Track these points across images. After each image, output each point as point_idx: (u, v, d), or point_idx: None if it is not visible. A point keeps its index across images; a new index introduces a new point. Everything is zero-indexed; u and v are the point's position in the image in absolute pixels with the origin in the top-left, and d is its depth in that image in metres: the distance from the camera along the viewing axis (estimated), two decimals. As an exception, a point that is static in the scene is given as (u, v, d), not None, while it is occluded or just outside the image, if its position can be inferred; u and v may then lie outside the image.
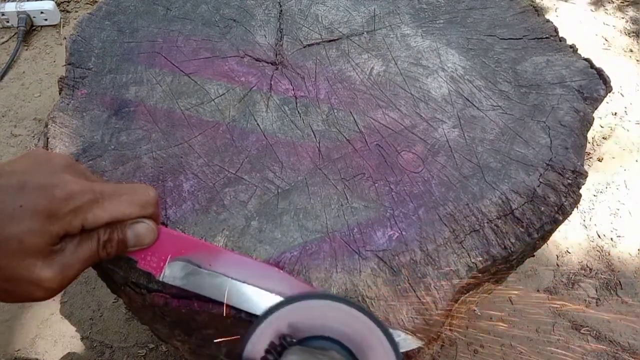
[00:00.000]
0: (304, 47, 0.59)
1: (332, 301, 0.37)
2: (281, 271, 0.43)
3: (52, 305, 1.01)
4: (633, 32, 1.53)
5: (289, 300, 0.37)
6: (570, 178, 0.49)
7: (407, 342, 0.41)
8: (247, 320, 0.41)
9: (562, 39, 0.60)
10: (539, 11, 0.63)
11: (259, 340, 0.36)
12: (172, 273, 0.41)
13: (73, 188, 0.35)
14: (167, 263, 0.41)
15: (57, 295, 0.37)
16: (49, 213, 0.34)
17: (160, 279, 0.41)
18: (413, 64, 0.58)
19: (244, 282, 0.41)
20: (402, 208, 0.47)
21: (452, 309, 0.49)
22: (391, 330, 0.37)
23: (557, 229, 0.49)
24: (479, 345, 0.98)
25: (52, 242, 0.34)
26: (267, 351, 0.36)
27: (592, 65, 0.57)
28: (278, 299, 0.41)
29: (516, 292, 1.03)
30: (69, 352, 0.96)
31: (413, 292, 0.43)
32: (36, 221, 0.33)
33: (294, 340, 0.36)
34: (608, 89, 0.55)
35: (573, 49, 0.59)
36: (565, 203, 0.48)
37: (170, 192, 0.48)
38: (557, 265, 1.09)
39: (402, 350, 0.41)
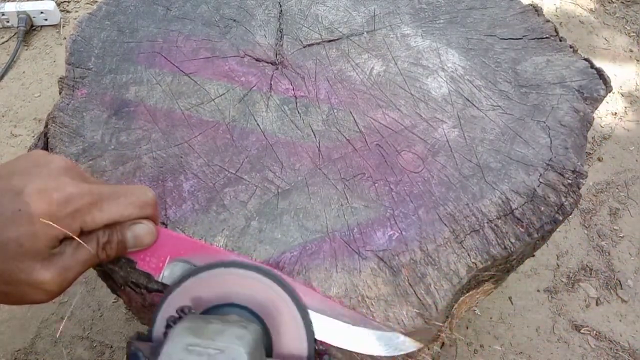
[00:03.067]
0: (304, 47, 0.59)
1: (234, 268, 0.38)
2: (280, 273, 0.43)
3: (52, 305, 1.01)
4: (633, 32, 1.53)
5: (189, 274, 0.38)
6: (570, 178, 0.49)
7: (406, 344, 0.41)
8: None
9: (562, 39, 0.60)
10: (539, 11, 0.63)
11: (163, 318, 0.36)
12: (171, 274, 0.41)
13: (71, 191, 0.35)
14: (166, 264, 0.41)
15: (57, 297, 0.37)
16: (47, 216, 0.34)
17: (159, 280, 0.41)
18: (413, 64, 0.58)
19: None
20: (402, 208, 0.47)
21: (452, 309, 0.49)
22: (294, 291, 0.37)
23: (557, 229, 0.49)
24: (479, 345, 0.98)
25: (51, 245, 0.34)
26: (167, 325, 0.36)
27: (592, 65, 0.57)
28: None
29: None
30: (69, 352, 0.96)
31: (413, 292, 0.43)
32: (35, 225, 0.33)
33: (192, 311, 0.36)
34: (608, 89, 0.55)
35: (573, 49, 0.59)
36: (565, 203, 0.48)
37: (170, 192, 0.48)
38: (557, 265, 1.09)
39: (401, 352, 0.41)
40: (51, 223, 0.34)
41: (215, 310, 0.37)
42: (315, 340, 0.38)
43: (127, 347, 0.35)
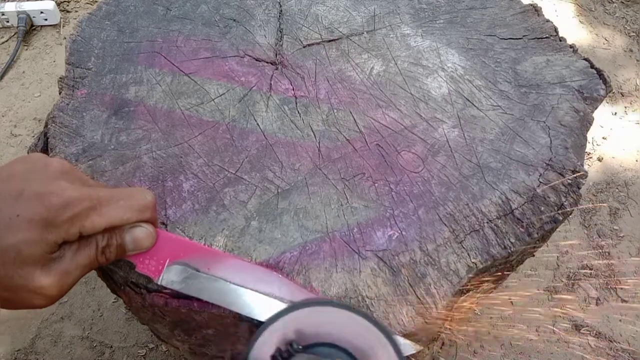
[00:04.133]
0: (304, 47, 0.59)
1: (338, 308, 0.37)
2: (280, 275, 0.43)
3: (52, 306, 1.01)
4: (633, 32, 1.53)
5: (296, 306, 0.37)
6: (570, 178, 0.49)
7: (406, 347, 0.41)
8: (247, 321, 0.41)
9: (562, 39, 0.60)
10: (538, 11, 0.63)
11: (265, 345, 0.36)
12: (170, 277, 0.41)
13: (70, 195, 0.35)
14: (165, 267, 0.41)
15: (57, 301, 0.37)
16: (46, 222, 0.33)
17: (159, 283, 0.41)
18: (413, 63, 0.58)
19: (242, 286, 0.41)
20: (402, 208, 0.47)
21: (452, 309, 0.49)
22: (396, 337, 0.37)
23: (557, 229, 0.49)
24: (479, 345, 0.98)
25: (50, 250, 0.34)
26: (273, 357, 0.36)
27: (592, 65, 0.57)
28: (276, 302, 0.41)
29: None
30: (69, 352, 0.96)
31: (413, 292, 0.43)
32: (33, 230, 0.33)
33: (300, 347, 0.36)
34: (608, 89, 0.55)
35: (573, 48, 0.59)
36: (565, 203, 0.48)
37: (170, 192, 0.48)
38: (557, 265, 1.09)
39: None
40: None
41: (316, 348, 0.37)
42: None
43: None
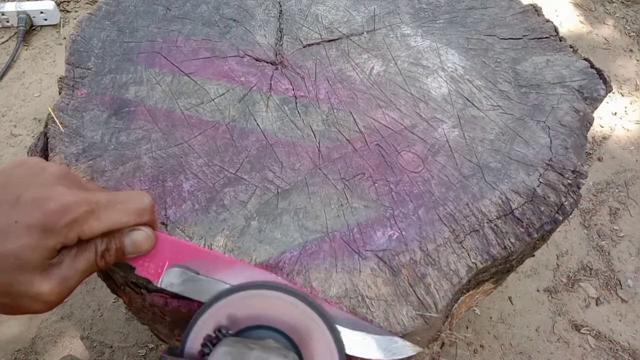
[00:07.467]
0: (304, 47, 0.59)
1: (271, 291, 0.37)
2: (279, 277, 0.43)
3: (52, 305, 1.01)
4: (633, 32, 1.53)
5: (226, 292, 0.37)
6: (570, 178, 0.49)
7: (406, 348, 0.41)
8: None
9: (562, 39, 0.60)
10: (538, 11, 0.63)
11: (198, 335, 0.36)
12: (170, 279, 0.41)
13: (68, 200, 0.35)
14: (165, 269, 0.41)
15: (57, 306, 0.37)
16: (44, 227, 0.33)
17: (159, 286, 0.41)
18: (413, 63, 0.58)
19: None
20: (402, 208, 0.47)
21: (452, 309, 0.49)
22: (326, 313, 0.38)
23: (557, 229, 0.49)
24: (479, 345, 0.98)
25: (49, 256, 0.34)
26: (203, 344, 0.36)
27: (592, 65, 0.57)
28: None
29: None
30: (69, 352, 0.96)
31: (413, 292, 0.43)
32: (32, 236, 0.33)
33: (230, 332, 0.36)
34: (608, 89, 0.55)
35: (573, 48, 0.59)
36: (565, 203, 0.48)
37: (170, 192, 0.48)
38: (557, 265, 1.09)
39: (400, 357, 0.41)
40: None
41: (250, 332, 0.37)
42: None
43: None
